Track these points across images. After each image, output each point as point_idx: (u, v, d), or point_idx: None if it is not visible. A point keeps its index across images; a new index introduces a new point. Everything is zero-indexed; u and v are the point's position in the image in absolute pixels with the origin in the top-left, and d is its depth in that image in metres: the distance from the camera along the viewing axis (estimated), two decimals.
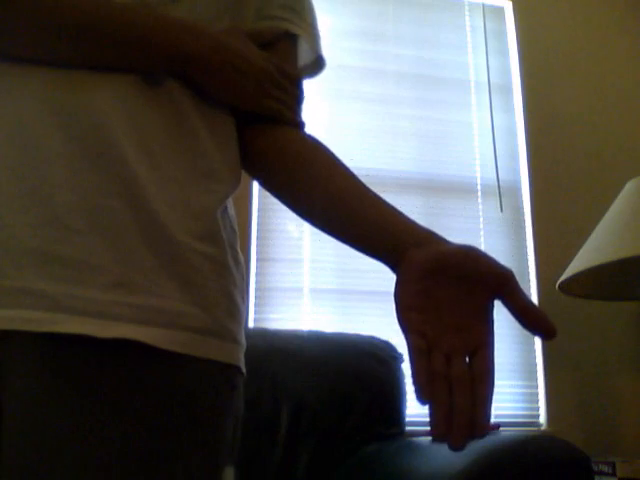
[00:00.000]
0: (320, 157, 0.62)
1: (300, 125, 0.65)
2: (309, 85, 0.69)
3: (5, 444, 0.48)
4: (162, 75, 0.58)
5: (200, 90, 0.60)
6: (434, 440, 0.45)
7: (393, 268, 0.55)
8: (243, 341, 0.60)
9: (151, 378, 0.50)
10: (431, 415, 0.45)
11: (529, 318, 0.47)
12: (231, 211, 0.64)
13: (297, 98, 0.65)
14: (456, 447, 0.45)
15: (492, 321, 0.49)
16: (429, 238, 0.53)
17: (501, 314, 2.15)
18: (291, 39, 0.68)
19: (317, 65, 0.73)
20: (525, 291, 0.48)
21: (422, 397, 0.45)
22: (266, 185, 0.65)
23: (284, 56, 0.67)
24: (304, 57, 0.71)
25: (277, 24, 0.66)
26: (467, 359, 0.48)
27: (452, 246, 0.51)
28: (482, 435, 0.45)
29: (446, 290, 0.49)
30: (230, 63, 0.59)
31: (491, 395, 0.46)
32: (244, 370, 0.60)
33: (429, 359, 0.47)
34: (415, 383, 0.46)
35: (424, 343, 0.47)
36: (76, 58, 0.55)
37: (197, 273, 0.54)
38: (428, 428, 0.46)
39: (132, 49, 0.56)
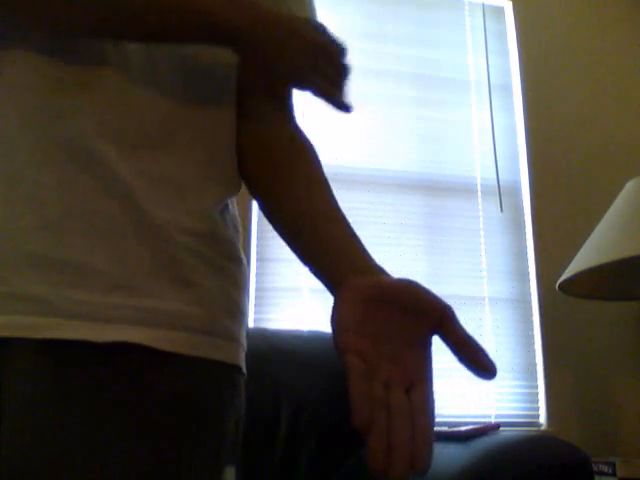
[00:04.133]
0: (297, 167, 0.61)
1: (345, 109, 0.58)
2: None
3: (5, 451, 0.47)
4: (156, 75, 0.57)
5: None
6: (373, 473, 0.42)
7: (332, 291, 0.54)
8: (244, 341, 0.60)
9: (151, 379, 0.49)
10: (369, 445, 0.42)
11: (468, 352, 0.46)
12: (233, 210, 0.63)
13: (345, 76, 0.59)
14: None
15: (430, 356, 0.48)
16: (374, 270, 0.53)
17: (501, 313, 2.13)
18: None
19: None
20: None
21: (361, 421, 0.42)
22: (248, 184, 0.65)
23: None
24: None
25: None
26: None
27: (392, 279, 0.50)
28: (424, 472, 0.42)
29: (384, 321, 0.48)
30: (279, 32, 0.55)
31: (432, 429, 0.44)
32: (245, 370, 0.59)
33: (369, 384, 0.44)
34: (353, 406, 0.43)
35: (363, 365, 0.45)
36: (106, 28, 0.52)
37: (195, 273, 0.54)
38: None
39: (172, 16, 0.52)
